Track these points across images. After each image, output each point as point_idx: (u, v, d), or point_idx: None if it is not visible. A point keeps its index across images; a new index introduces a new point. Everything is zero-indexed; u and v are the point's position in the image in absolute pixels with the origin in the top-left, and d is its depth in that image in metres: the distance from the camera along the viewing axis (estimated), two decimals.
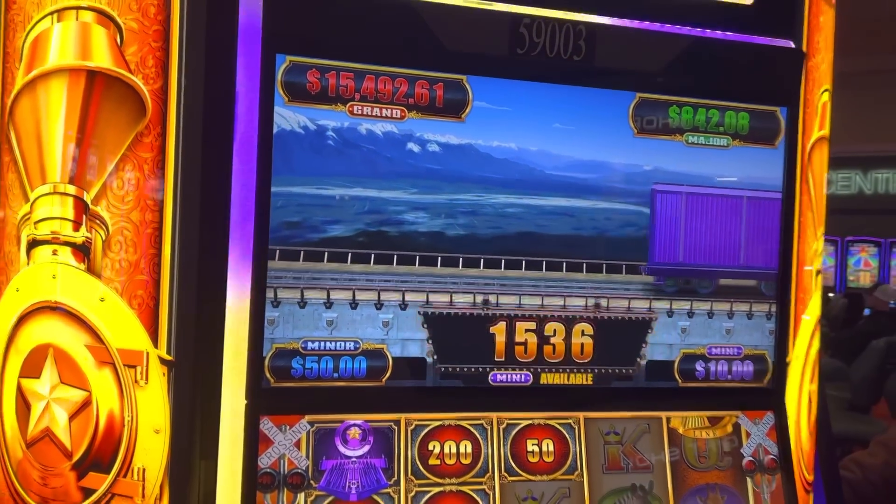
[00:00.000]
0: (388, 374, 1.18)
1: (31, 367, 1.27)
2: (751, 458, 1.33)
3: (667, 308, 1.30)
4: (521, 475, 1.22)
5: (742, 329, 1.33)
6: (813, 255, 1.51)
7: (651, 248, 1.27)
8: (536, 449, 1.24)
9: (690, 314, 1.31)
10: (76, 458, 1.20)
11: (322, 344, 1.16)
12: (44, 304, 1.27)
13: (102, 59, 1.18)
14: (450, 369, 1.21)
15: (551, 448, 1.24)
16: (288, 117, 1.13)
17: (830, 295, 8.85)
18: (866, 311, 7.37)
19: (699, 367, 1.31)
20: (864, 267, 10.14)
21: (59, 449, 1.22)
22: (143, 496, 1.15)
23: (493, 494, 1.20)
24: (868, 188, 10.60)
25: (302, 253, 1.13)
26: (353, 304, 1.17)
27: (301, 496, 1.12)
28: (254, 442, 1.12)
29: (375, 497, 1.16)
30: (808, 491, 1.61)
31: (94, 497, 1.18)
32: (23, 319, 1.29)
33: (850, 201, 10.17)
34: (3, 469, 1.30)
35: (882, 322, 6.62)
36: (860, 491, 2.43)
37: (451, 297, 1.21)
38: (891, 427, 2.45)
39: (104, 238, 1.21)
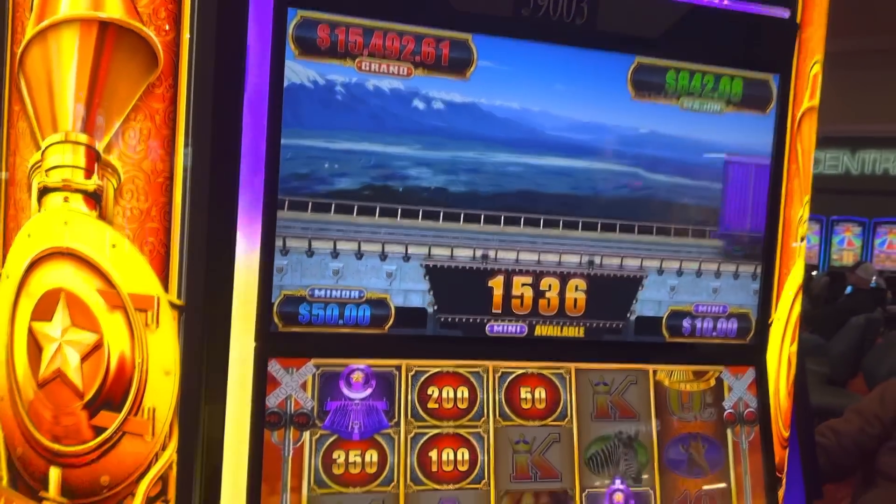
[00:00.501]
0: (390, 323, 1.23)
1: (43, 311, 1.30)
2: (731, 411, 1.40)
3: (657, 266, 1.35)
4: (514, 420, 1.29)
5: (728, 288, 1.39)
6: (798, 221, 1.57)
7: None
8: (529, 396, 1.30)
9: (679, 273, 1.37)
10: (88, 397, 1.24)
11: (328, 292, 1.21)
12: (55, 249, 1.30)
13: (115, 9, 1.20)
14: (449, 319, 1.26)
15: (543, 396, 1.31)
16: (298, 71, 1.16)
17: (814, 273, 8.99)
18: (848, 290, 7.50)
19: (686, 323, 1.37)
20: (847, 246, 10.29)
21: (70, 389, 1.26)
22: (153, 435, 1.20)
23: (488, 437, 1.27)
24: (855, 168, 10.71)
25: (310, 204, 1.17)
26: (359, 255, 1.22)
27: (306, 434, 1.18)
28: (262, 383, 1.17)
29: (377, 437, 1.21)
30: (784, 446, 1.69)
31: (104, 435, 1.23)
32: (34, 265, 1.33)
33: (837, 181, 10.28)
34: (14, 409, 1.35)
35: (862, 300, 6.75)
36: (834, 457, 2.52)
37: (452, 250, 1.25)
38: (865, 397, 2.55)
39: (115, 186, 1.24)
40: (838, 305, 6.87)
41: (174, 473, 1.18)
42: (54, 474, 1.27)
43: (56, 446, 1.27)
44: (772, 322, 1.48)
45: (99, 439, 1.23)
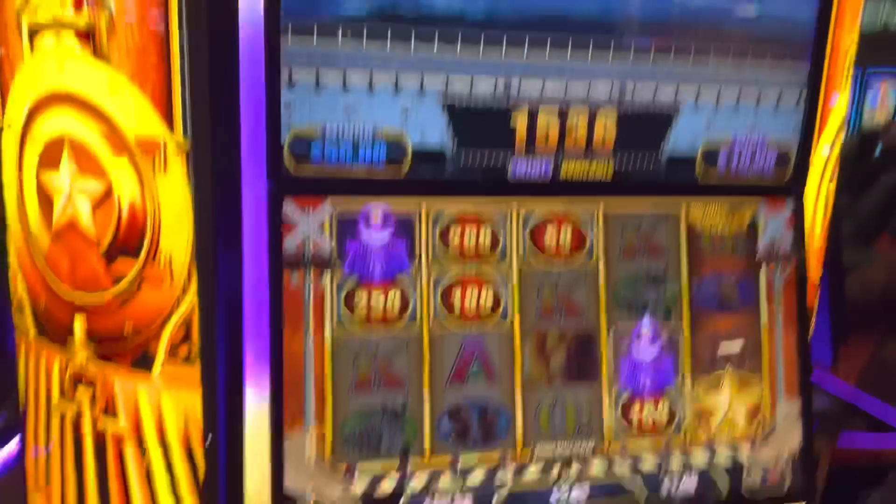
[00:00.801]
0: (407, 163, 1.17)
1: (49, 160, 1.26)
2: (765, 248, 1.34)
3: (693, 97, 1.25)
4: (539, 261, 1.24)
5: (768, 120, 1.29)
6: (847, 47, 1.44)
7: None
8: (555, 237, 1.25)
9: (717, 104, 1.26)
10: (103, 246, 1.21)
11: (341, 130, 1.13)
12: (53, 93, 1.23)
13: None
14: (470, 158, 1.19)
15: (569, 236, 1.25)
16: None
17: (846, 135, 8.65)
18: (879, 151, 7.25)
19: (721, 158, 1.29)
20: (880, 105, 9.87)
21: (85, 238, 1.23)
22: (172, 280, 1.18)
23: (512, 278, 1.23)
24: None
25: (315, 27, 1.07)
26: (371, 88, 1.13)
27: (327, 276, 1.15)
28: (277, 224, 1.12)
29: (398, 278, 1.18)
30: (815, 287, 1.66)
31: (124, 282, 1.21)
32: (34, 111, 1.26)
33: (874, 36, 9.67)
34: (33, 260, 1.33)
35: (893, 160, 6.54)
36: (859, 305, 2.50)
37: (472, 81, 1.16)
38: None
39: (108, 20, 1.15)
40: (868, 165, 6.67)
41: (196, 318, 1.17)
42: (79, 322, 1.27)
43: (77, 295, 1.26)
44: (812, 156, 1.39)
45: (119, 287, 1.22)
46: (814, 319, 1.60)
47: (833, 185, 1.63)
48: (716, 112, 1.26)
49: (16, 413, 1.46)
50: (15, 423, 1.48)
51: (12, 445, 1.60)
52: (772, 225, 1.34)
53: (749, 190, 1.32)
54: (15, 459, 1.54)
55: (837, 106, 1.49)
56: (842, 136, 1.55)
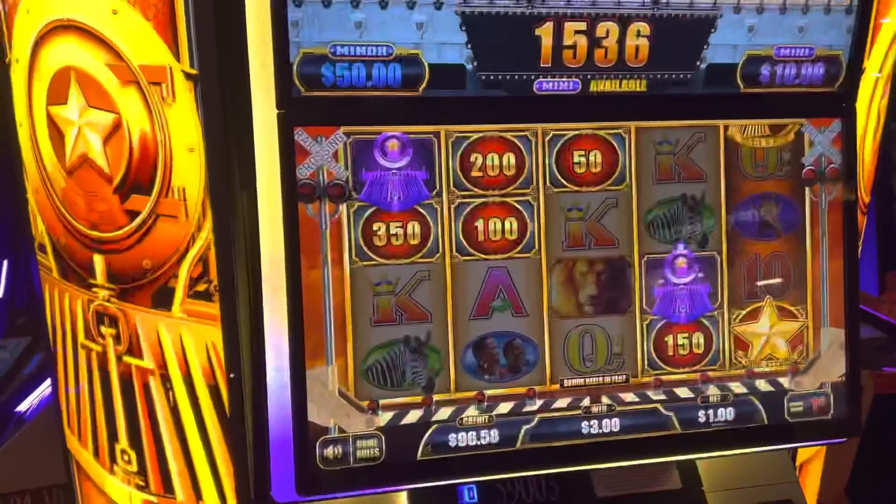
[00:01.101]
0: (424, 83, 1.09)
1: (57, 94, 1.22)
2: (811, 168, 1.25)
3: (734, 2, 1.15)
4: (566, 186, 1.17)
5: (817, 26, 1.18)
6: None
7: None
8: (583, 160, 1.18)
9: (760, 9, 1.16)
10: (116, 181, 1.19)
11: (352, 49, 1.06)
12: (56, 23, 1.18)
13: None
14: (491, 77, 1.11)
15: (599, 159, 1.18)
16: None
17: None
18: None
19: (764, 70, 1.19)
20: None
21: (98, 174, 1.20)
22: (187, 215, 1.15)
23: (538, 205, 1.17)
24: None
25: None
26: (383, 3, 1.05)
27: (343, 207, 1.10)
28: (290, 154, 1.07)
29: (418, 207, 1.13)
30: (864, 212, 1.56)
31: (139, 219, 1.19)
32: (39, 43, 1.22)
33: None
34: (50, 199, 1.31)
35: None
36: None
37: None
38: None
39: None
40: None
41: (213, 253, 1.15)
42: (98, 261, 1.26)
43: (94, 233, 1.24)
44: (864, 68, 1.28)
45: (134, 223, 1.19)
46: (860, 246, 1.51)
47: (885, 103, 1.52)
48: (759, 18, 1.16)
49: (48, 353, 1.47)
50: (48, 363, 1.49)
51: (47, 384, 1.63)
52: (818, 143, 1.25)
53: (795, 104, 1.22)
54: (50, 398, 1.56)
55: (890, 19, 1.37)
56: (894, 52, 1.43)
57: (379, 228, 1.12)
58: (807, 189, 1.25)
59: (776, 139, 1.24)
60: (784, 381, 1.25)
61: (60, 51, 1.19)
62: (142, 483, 1.30)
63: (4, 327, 1.83)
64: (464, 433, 1.14)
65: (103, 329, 1.28)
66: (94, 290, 1.27)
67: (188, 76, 1.09)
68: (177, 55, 1.09)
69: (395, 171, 1.12)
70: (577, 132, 1.17)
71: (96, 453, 1.38)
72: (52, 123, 1.25)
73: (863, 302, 2.18)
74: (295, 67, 1.05)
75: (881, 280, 1.98)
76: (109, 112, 1.16)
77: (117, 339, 1.26)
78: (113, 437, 1.33)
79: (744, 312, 1.24)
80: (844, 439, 1.28)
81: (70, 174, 1.24)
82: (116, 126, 1.16)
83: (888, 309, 2.51)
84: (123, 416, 1.30)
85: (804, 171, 1.25)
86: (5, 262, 1.78)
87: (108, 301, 1.25)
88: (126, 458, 1.32)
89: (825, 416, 1.26)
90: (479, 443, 1.15)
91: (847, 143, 1.25)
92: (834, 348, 1.26)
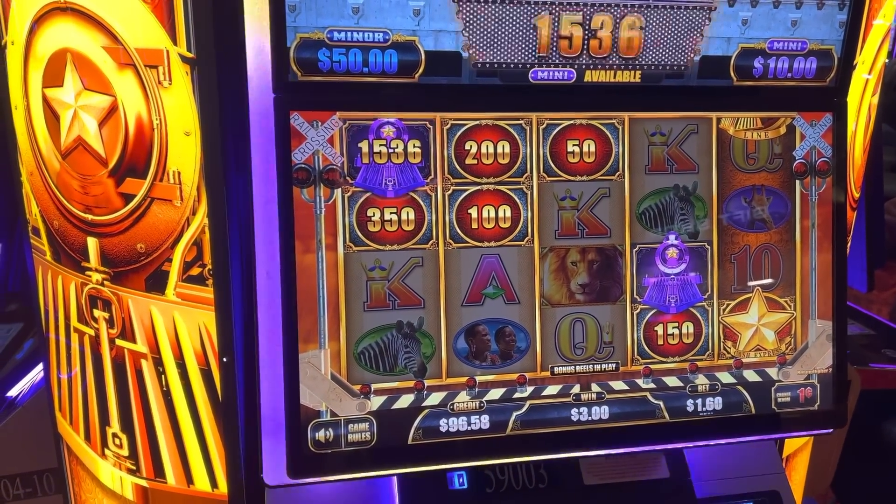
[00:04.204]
0: (420, 70, 1.10)
1: (53, 76, 1.22)
2: (802, 161, 1.26)
3: None
4: (560, 175, 1.18)
5: (810, 20, 1.19)
6: None
7: None
8: (577, 149, 1.18)
9: (754, 3, 1.17)
10: (111, 164, 1.18)
11: (349, 34, 1.07)
12: (53, 5, 1.18)
13: None
14: (487, 65, 1.12)
15: (592, 149, 1.19)
16: None
17: (887, 60, 8.30)
18: None
19: (757, 63, 1.20)
20: None
21: (93, 157, 1.20)
22: (182, 198, 1.15)
23: (531, 194, 1.17)
24: None
25: None
26: None
27: (338, 192, 1.11)
28: (285, 137, 1.08)
29: (412, 194, 1.13)
30: (853, 208, 1.57)
31: (134, 202, 1.19)
32: (35, 25, 1.22)
33: None
34: (44, 182, 1.31)
35: None
36: None
37: None
38: None
39: None
40: None
41: (207, 237, 1.15)
42: (92, 244, 1.25)
43: (89, 216, 1.24)
44: (856, 65, 1.30)
45: (129, 207, 1.19)
46: (850, 242, 1.53)
47: (876, 100, 1.53)
48: (753, 12, 1.17)
49: (41, 337, 1.47)
50: (41, 347, 1.49)
51: (39, 369, 1.62)
52: (809, 136, 1.26)
53: (787, 98, 1.23)
54: (42, 383, 1.56)
55: (881, 20, 1.38)
56: (885, 50, 1.44)
57: (373, 214, 1.12)
58: (797, 182, 1.26)
59: (768, 132, 1.25)
60: (771, 372, 1.26)
61: (57, 33, 1.19)
62: (133, 467, 1.31)
63: None
64: (455, 419, 1.15)
65: (96, 312, 1.28)
66: (88, 273, 1.27)
67: (185, 59, 1.09)
68: (174, 38, 1.09)
69: (390, 156, 1.12)
70: (571, 122, 1.18)
71: (87, 437, 1.38)
72: (47, 106, 1.24)
73: (852, 299, 2.20)
74: (292, 52, 1.05)
75: (870, 277, 2.00)
76: (105, 95, 1.16)
77: (110, 322, 1.26)
78: (104, 420, 1.33)
79: (733, 303, 1.25)
80: (830, 430, 1.29)
81: (65, 157, 1.24)
82: (112, 109, 1.16)
83: (877, 308, 2.53)
84: (115, 399, 1.30)
85: (795, 163, 1.26)
86: None
87: (102, 284, 1.25)
88: (117, 442, 1.32)
89: (811, 406, 1.27)
90: (469, 428, 1.15)
91: (838, 137, 1.26)
92: (821, 340, 1.27)
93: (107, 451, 1.34)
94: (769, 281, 1.26)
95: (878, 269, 2.10)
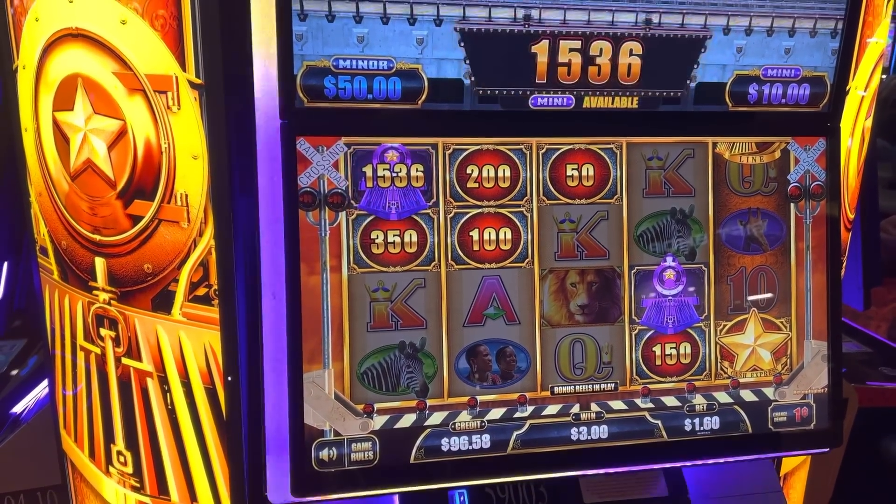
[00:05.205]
0: (423, 97, 1.13)
1: (64, 100, 1.25)
2: (796, 184, 1.29)
3: (723, 25, 1.19)
4: (559, 199, 1.21)
5: (803, 48, 1.23)
6: None
7: None
8: (576, 173, 1.21)
9: (748, 31, 1.20)
10: (120, 186, 1.21)
11: (354, 62, 1.10)
12: (65, 31, 1.21)
13: None
14: (488, 92, 1.15)
15: (591, 173, 1.22)
16: None
17: (884, 77, 8.36)
18: None
19: (752, 89, 1.23)
20: None
21: (102, 179, 1.23)
22: (189, 221, 1.18)
23: (531, 216, 1.20)
24: None
25: None
26: (385, 19, 1.09)
27: (342, 214, 1.13)
28: (291, 162, 1.11)
29: (415, 217, 1.16)
30: (848, 228, 1.60)
31: (141, 223, 1.21)
32: (47, 50, 1.25)
33: None
34: (53, 203, 1.34)
35: None
36: (894, 251, 2.43)
37: (490, 11, 1.12)
38: None
39: None
40: None
41: (214, 258, 1.17)
42: (100, 264, 1.28)
43: (97, 237, 1.27)
44: (849, 90, 1.33)
45: (136, 228, 1.22)
46: (845, 262, 1.56)
47: (869, 123, 1.57)
48: (747, 40, 1.20)
49: (47, 355, 1.49)
50: (46, 364, 1.51)
51: (43, 386, 1.64)
52: (803, 161, 1.29)
53: (781, 123, 1.27)
54: (46, 400, 1.58)
55: (876, 39, 1.42)
56: (879, 71, 1.48)
57: (377, 236, 1.15)
58: (792, 205, 1.29)
59: (763, 156, 1.28)
60: (768, 392, 1.29)
61: (68, 58, 1.22)
62: (137, 484, 1.32)
63: (3, 329, 1.85)
64: (456, 438, 1.17)
65: (103, 331, 1.30)
66: (95, 292, 1.29)
67: (193, 85, 1.12)
68: (183, 65, 1.12)
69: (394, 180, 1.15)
70: (570, 146, 1.21)
71: (92, 454, 1.39)
72: (57, 129, 1.27)
73: (848, 317, 2.22)
74: (298, 79, 1.08)
75: (866, 296, 2.02)
76: (115, 119, 1.19)
77: (117, 341, 1.28)
78: (109, 438, 1.34)
79: (730, 324, 1.28)
80: (826, 449, 1.31)
81: (74, 179, 1.27)
82: (122, 133, 1.19)
83: (876, 325, 2.56)
84: (120, 417, 1.32)
85: (790, 187, 1.29)
86: (5, 265, 1.80)
87: (109, 304, 1.28)
88: (122, 459, 1.33)
89: (807, 426, 1.30)
90: (470, 447, 1.17)
91: (831, 161, 1.29)
92: (817, 360, 1.30)
93: (111, 469, 1.36)
94: (765, 303, 1.28)
95: (878, 286, 2.12)
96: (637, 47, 1.17)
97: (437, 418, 1.17)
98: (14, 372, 1.78)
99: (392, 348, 1.15)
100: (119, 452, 1.33)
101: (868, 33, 1.38)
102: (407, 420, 1.16)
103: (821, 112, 1.27)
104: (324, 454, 1.13)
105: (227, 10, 1.07)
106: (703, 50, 1.20)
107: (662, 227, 1.24)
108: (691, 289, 1.26)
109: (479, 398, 1.19)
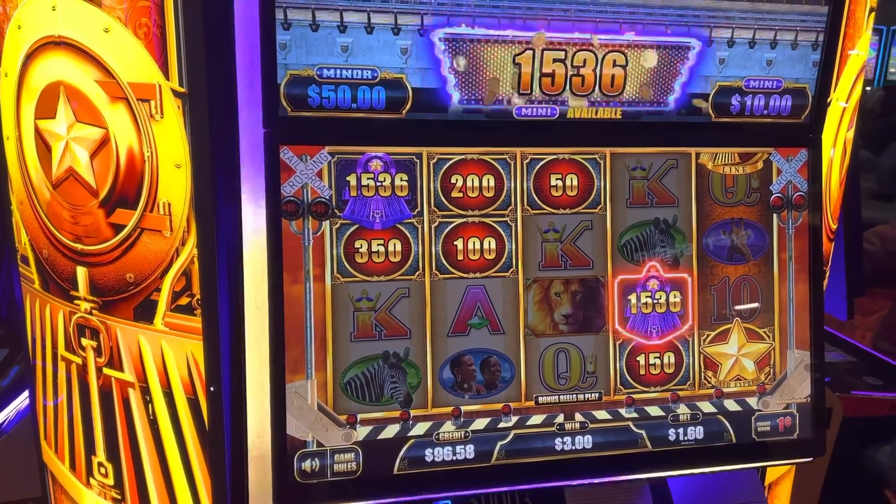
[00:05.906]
0: (408, 106, 1.13)
1: (46, 108, 1.24)
2: (779, 195, 1.30)
3: (706, 36, 1.20)
4: (543, 208, 1.21)
5: (784, 60, 1.24)
6: None
7: None
8: (560, 183, 1.22)
9: (731, 43, 1.21)
10: (102, 195, 1.20)
11: (338, 72, 1.10)
12: (47, 39, 1.20)
13: None
14: (472, 102, 1.16)
15: (575, 182, 1.22)
16: None
17: (868, 88, 8.46)
18: None
19: (735, 100, 1.24)
20: None
21: (84, 188, 1.22)
22: (172, 230, 1.17)
23: (516, 226, 1.20)
24: None
25: None
26: (369, 29, 1.09)
27: (326, 224, 1.13)
28: (275, 171, 1.10)
29: (399, 226, 1.16)
30: (830, 239, 1.61)
31: (124, 232, 1.20)
32: (30, 58, 1.24)
33: None
34: (34, 212, 1.33)
35: None
36: (878, 262, 2.45)
37: (474, 21, 1.12)
38: None
39: None
40: (891, 121, 6.52)
41: (196, 268, 1.16)
42: (81, 273, 1.27)
43: (78, 246, 1.26)
44: (830, 101, 1.34)
45: (119, 237, 1.21)
46: (828, 272, 1.57)
47: (851, 134, 1.58)
48: (730, 52, 1.21)
49: (27, 365, 1.47)
50: (27, 374, 1.49)
51: (24, 397, 1.62)
52: (786, 171, 1.30)
53: (763, 134, 1.28)
54: (27, 411, 1.56)
55: (857, 51, 1.43)
56: (861, 83, 1.49)
57: (361, 246, 1.14)
58: (774, 215, 1.30)
59: (745, 167, 1.29)
60: (751, 402, 1.29)
61: (51, 66, 1.21)
62: (118, 496, 1.31)
63: None
64: (440, 448, 1.17)
65: (84, 341, 1.29)
66: (77, 302, 1.28)
67: (176, 94, 1.12)
68: (166, 73, 1.12)
69: (377, 190, 1.15)
70: (554, 156, 1.21)
71: (73, 466, 1.38)
72: (39, 137, 1.26)
73: (833, 327, 2.24)
74: (282, 88, 1.08)
75: (850, 306, 2.04)
76: (98, 127, 1.18)
77: (98, 351, 1.27)
78: (90, 449, 1.33)
79: (713, 334, 1.28)
80: (810, 459, 1.32)
81: (56, 187, 1.26)
82: (104, 141, 1.18)
83: (861, 334, 2.57)
84: (102, 428, 1.30)
85: (772, 197, 1.30)
86: None
87: (90, 313, 1.27)
88: (103, 471, 1.32)
89: (791, 436, 1.30)
90: (454, 458, 1.17)
91: (813, 172, 1.30)
92: (800, 370, 1.30)
93: (92, 481, 1.34)
94: (748, 312, 1.29)
95: (861, 296, 2.14)
96: (620, 58, 1.18)
97: (420, 429, 1.16)
98: None
99: (376, 358, 1.15)
100: (100, 464, 1.32)
101: (849, 45, 1.39)
102: (391, 431, 1.15)
103: (803, 123, 1.28)
104: (307, 465, 1.12)
105: (210, 18, 1.07)
106: (686, 61, 1.20)
107: (646, 237, 1.25)
108: (675, 299, 1.26)
109: (464, 408, 1.18)
